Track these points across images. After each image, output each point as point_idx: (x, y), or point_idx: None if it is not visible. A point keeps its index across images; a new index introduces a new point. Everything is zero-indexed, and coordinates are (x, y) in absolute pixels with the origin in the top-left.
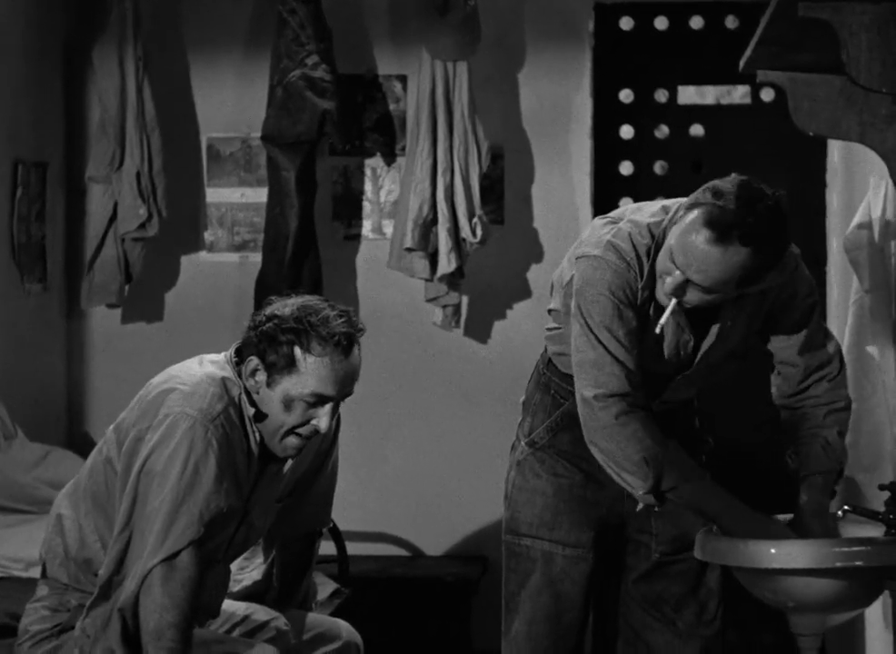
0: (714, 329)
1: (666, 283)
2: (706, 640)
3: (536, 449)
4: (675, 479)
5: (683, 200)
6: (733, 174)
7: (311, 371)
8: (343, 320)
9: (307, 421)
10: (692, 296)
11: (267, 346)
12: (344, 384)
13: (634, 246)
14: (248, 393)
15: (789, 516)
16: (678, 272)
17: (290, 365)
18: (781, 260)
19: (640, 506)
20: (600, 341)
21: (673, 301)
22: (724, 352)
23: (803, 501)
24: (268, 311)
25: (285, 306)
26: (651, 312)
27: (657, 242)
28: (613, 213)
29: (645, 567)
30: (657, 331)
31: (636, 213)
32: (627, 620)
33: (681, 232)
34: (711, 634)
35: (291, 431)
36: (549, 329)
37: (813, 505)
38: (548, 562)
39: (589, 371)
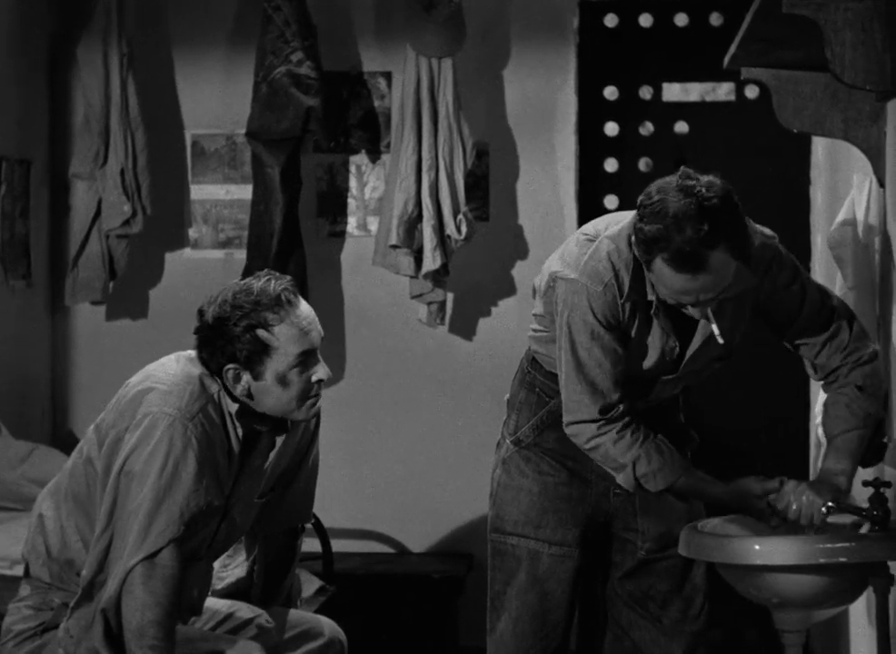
0: (698, 335)
1: (690, 312)
2: (692, 636)
3: (521, 447)
4: (659, 483)
5: None
6: (657, 184)
7: (284, 339)
8: (270, 280)
9: (308, 382)
10: (711, 303)
11: (232, 347)
12: (315, 329)
13: (613, 265)
14: (228, 389)
15: None
16: (693, 308)
17: (264, 347)
18: (742, 218)
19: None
20: (578, 360)
21: (706, 323)
22: (709, 357)
23: (819, 469)
24: (207, 317)
25: (218, 305)
26: (636, 317)
27: (636, 253)
28: (592, 228)
29: (631, 564)
30: (722, 340)
31: (613, 227)
32: (614, 618)
33: (664, 284)
34: (696, 630)
35: (302, 399)
36: (534, 330)
37: (822, 472)
38: (534, 560)
39: (564, 392)
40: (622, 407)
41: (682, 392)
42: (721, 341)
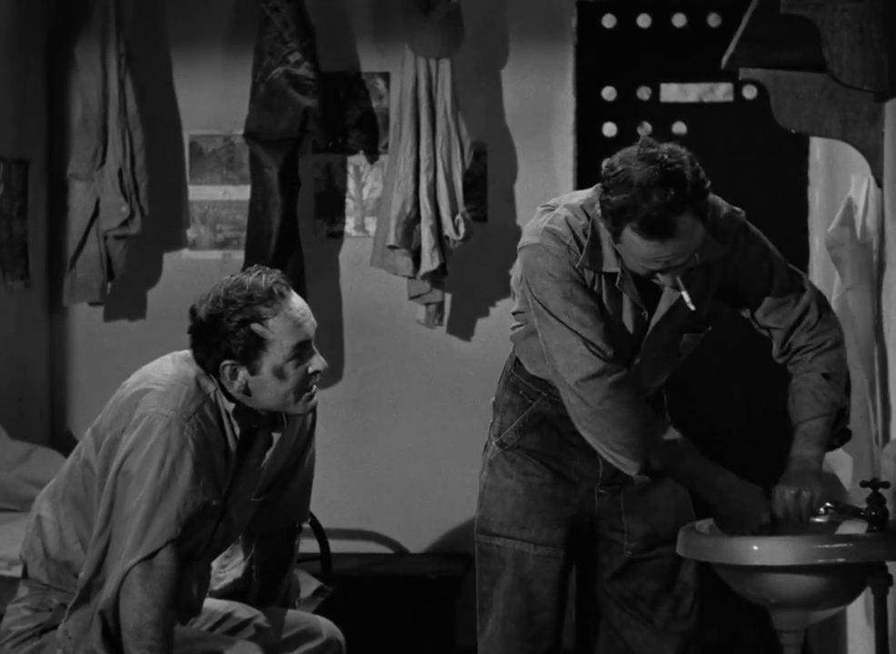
0: (663, 304)
1: (661, 279)
2: (683, 636)
3: (506, 449)
4: (666, 458)
5: None
6: (618, 155)
7: (278, 332)
8: (261, 274)
9: (305, 374)
10: (680, 269)
11: (227, 343)
12: (308, 320)
13: (571, 229)
14: (224, 389)
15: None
16: (664, 276)
17: (259, 341)
18: (704, 177)
19: (638, 480)
20: (561, 323)
21: (678, 293)
22: (674, 328)
23: (790, 456)
24: (201, 315)
25: (210, 302)
26: (602, 289)
27: (592, 221)
28: (551, 201)
29: (619, 565)
30: (693, 308)
31: (571, 198)
32: (606, 618)
33: (632, 254)
34: (688, 629)
35: (299, 391)
36: (513, 327)
37: (794, 460)
38: (519, 562)
39: (560, 357)
40: (622, 367)
41: (665, 387)
42: (692, 307)
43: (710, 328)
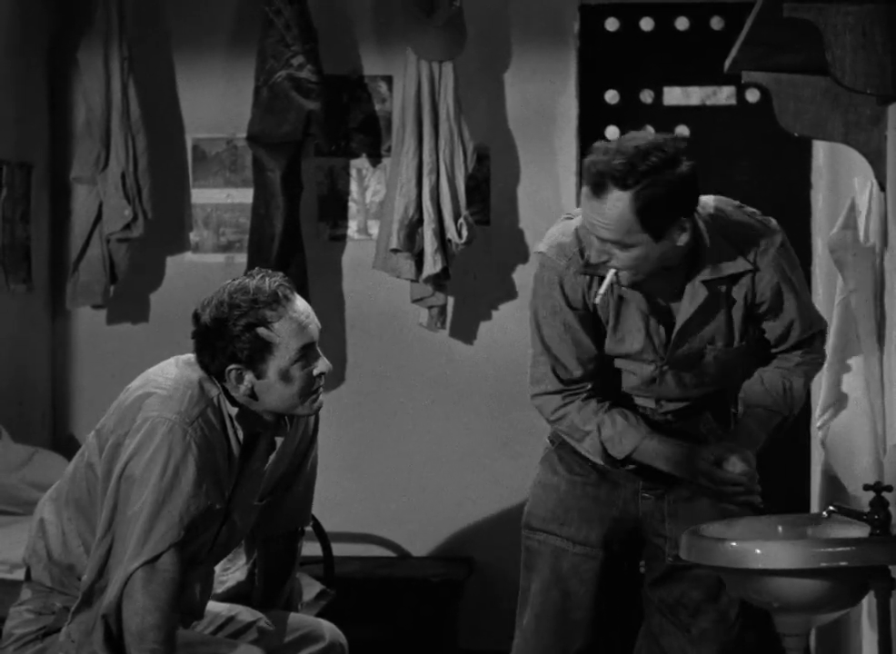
0: (683, 311)
1: (591, 252)
2: (722, 647)
3: (556, 446)
4: (625, 445)
5: None
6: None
7: (284, 335)
8: (264, 278)
9: (310, 376)
10: (618, 259)
11: (233, 347)
12: (313, 322)
13: (579, 239)
14: (227, 393)
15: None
16: (591, 237)
17: (265, 345)
18: (675, 192)
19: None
20: (541, 335)
21: (611, 272)
22: (703, 341)
23: (737, 428)
24: (205, 320)
25: (214, 306)
26: (612, 300)
27: None
28: (575, 210)
29: (661, 570)
30: (595, 301)
31: None
32: (648, 623)
33: (583, 213)
34: (727, 640)
35: (305, 394)
36: None
37: (743, 434)
38: (557, 558)
39: (531, 365)
40: (588, 385)
41: (722, 399)
42: (596, 301)
43: (743, 343)
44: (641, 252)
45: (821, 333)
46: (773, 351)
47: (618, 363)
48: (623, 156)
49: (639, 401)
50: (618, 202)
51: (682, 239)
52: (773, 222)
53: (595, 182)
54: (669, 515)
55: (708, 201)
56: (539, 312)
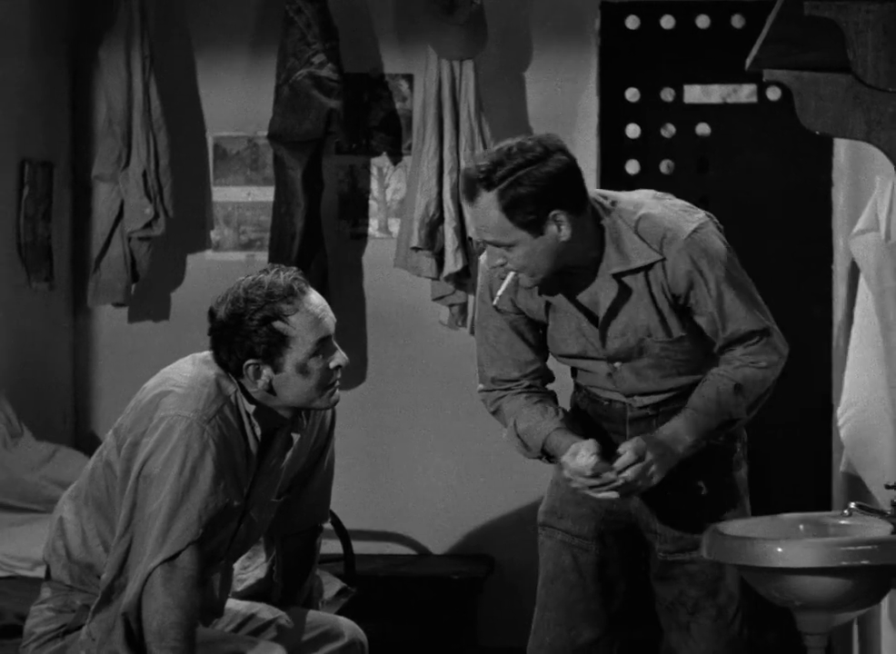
0: (602, 306)
1: (489, 258)
2: (721, 641)
3: None
4: (536, 443)
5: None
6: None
7: (300, 328)
8: (278, 272)
9: (327, 369)
10: (510, 260)
11: (250, 342)
12: (328, 315)
13: None
14: (244, 390)
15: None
16: (480, 242)
17: (282, 339)
18: (543, 188)
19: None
20: (477, 338)
21: (510, 275)
22: (637, 335)
23: (667, 424)
24: (221, 316)
25: (229, 302)
26: (548, 304)
27: None
28: None
29: (657, 567)
30: (495, 303)
31: None
32: (658, 619)
33: None
34: (728, 639)
35: (322, 387)
36: None
37: (666, 430)
38: (560, 552)
39: (476, 364)
40: (526, 382)
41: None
42: (495, 302)
43: (684, 334)
44: (525, 250)
45: (765, 333)
46: (716, 348)
47: (571, 363)
48: (488, 159)
49: (607, 395)
50: (487, 202)
51: (565, 233)
52: (699, 214)
53: (466, 187)
54: (658, 511)
55: (625, 195)
56: (477, 315)
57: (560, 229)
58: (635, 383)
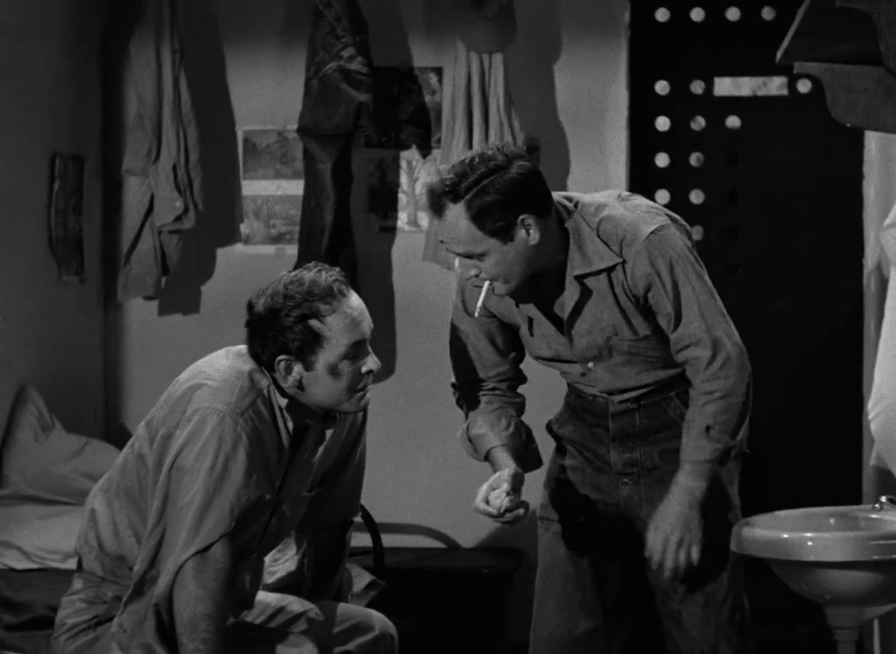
0: (567, 307)
1: (461, 270)
2: (712, 627)
3: (556, 437)
4: (481, 450)
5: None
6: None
7: (336, 329)
8: (321, 271)
9: (358, 373)
10: (483, 270)
11: (284, 337)
12: (365, 320)
13: None
14: (277, 384)
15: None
16: (452, 254)
17: (316, 338)
18: (507, 194)
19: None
20: (450, 340)
21: (486, 285)
22: (604, 333)
23: (675, 480)
24: (259, 309)
25: (268, 296)
26: (515, 310)
27: None
28: None
29: (639, 559)
30: (476, 315)
31: None
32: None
33: None
34: (716, 627)
35: (352, 390)
36: None
37: (679, 487)
38: (553, 542)
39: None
40: (490, 384)
41: (684, 380)
42: (476, 314)
43: (648, 333)
44: (497, 258)
45: (715, 346)
46: (674, 355)
47: (548, 365)
48: (452, 172)
49: (590, 391)
50: (455, 215)
51: (534, 237)
52: (660, 216)
53: (432, 202)
54: (646, 499)
55: (589, 197)
56: (452, 317)
57: (529, 233)
58: (612, 381)
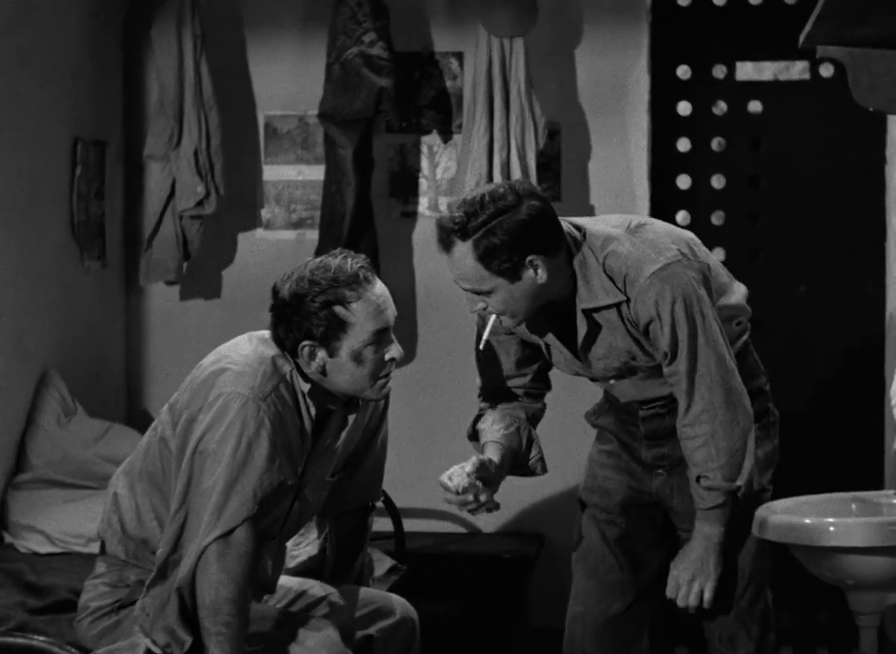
0: (579, 334)
1: (469, 304)
2: (731, 617)
3: (594, 425)
4: (481, 442)
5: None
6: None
7: (360, 316)
8: (346, 258)
9: (381, 360)
10: (490, 305)
11: (309, 323)
12: (389, 307)
13: None
14: (300, 369)
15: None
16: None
17: (341, 324)
18: (515, 236)
19: None
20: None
21: (492, 318)
22: (620, 358)
23: (695, 527)
24: (284, 294)
25: (294, 281)
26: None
27: None
28: None
29: (677, 545)
30: (481, 347)
31: None
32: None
33: None
34: (736, 611)
35: (374, 377)
36: None
37: (697, 535)
38: (592, 525)
39: None
40: (512, 391)
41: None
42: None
43: (656, 361)
44: (504, 296)
45: (701, 398)
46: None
47: (578, 377)
48: (461, 210)
49: (620, 397)
50: (462, 252)
51: (542, 276)
52: (669, 251)
53: (441, 238)
54: (678, 490)
55: (599, 226)
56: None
57: (536, 272)
58: (637, 394)
